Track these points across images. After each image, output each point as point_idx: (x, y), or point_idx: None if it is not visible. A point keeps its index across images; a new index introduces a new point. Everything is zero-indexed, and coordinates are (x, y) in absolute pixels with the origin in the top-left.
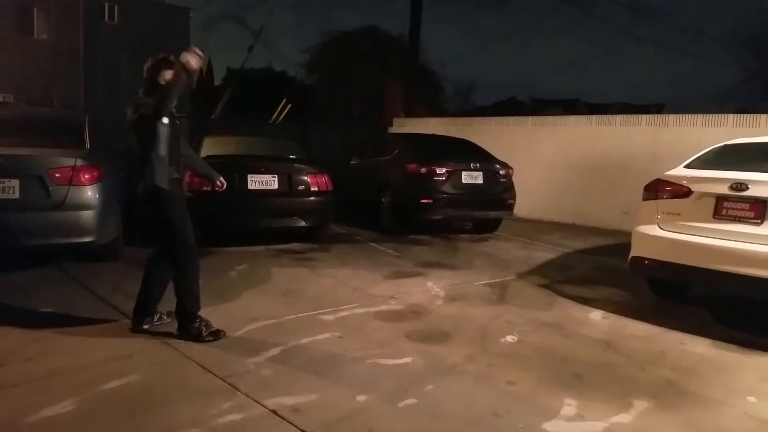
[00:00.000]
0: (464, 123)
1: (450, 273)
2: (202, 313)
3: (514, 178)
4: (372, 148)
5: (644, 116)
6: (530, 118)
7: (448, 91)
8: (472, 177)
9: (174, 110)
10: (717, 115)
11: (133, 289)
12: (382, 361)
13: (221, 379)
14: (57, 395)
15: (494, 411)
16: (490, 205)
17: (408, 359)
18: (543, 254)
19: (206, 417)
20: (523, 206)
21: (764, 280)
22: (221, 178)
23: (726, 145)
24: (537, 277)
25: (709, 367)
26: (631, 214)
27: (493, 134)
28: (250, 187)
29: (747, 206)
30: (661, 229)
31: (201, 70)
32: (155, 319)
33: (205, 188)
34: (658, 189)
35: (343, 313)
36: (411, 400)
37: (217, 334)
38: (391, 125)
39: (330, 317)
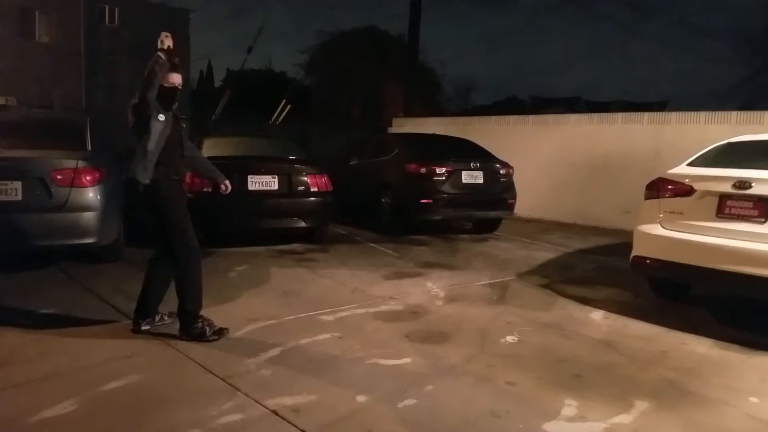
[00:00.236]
0: (464, 122)
1: (450, 273)
2: (203, 313)
3: (514, 178)
4: (371, 148)
5: (646, 114)
6: (531, 117)
7: (447, 91)
8: (472, 177)
9: (176, 111)
10: (720, 112)
11: (134, 290)
12: (382, 361)
13: (221, 379)
14: (58, 396)
15: (494, 412)
16: (491, 205)
17: (407, 360)
18: (543, 254)
19: (206, 417)
20: (524, 206)
21: (767, 280)
22: (227, 182)
23: (729, 143)
24: (537, 277)
25: (710, 368)
26: (633, 213)
27: (494, 133)
28: (250, 188)
29: (750, 205)
30: (663, 228)
31: (170, 47)
32: (156, 320)
33: (205, 189)
34: (660, 188)
35: (343, 314)
36: (410, 401)
37: (220, 333)
38: (391, 125)
39: (330, 318)
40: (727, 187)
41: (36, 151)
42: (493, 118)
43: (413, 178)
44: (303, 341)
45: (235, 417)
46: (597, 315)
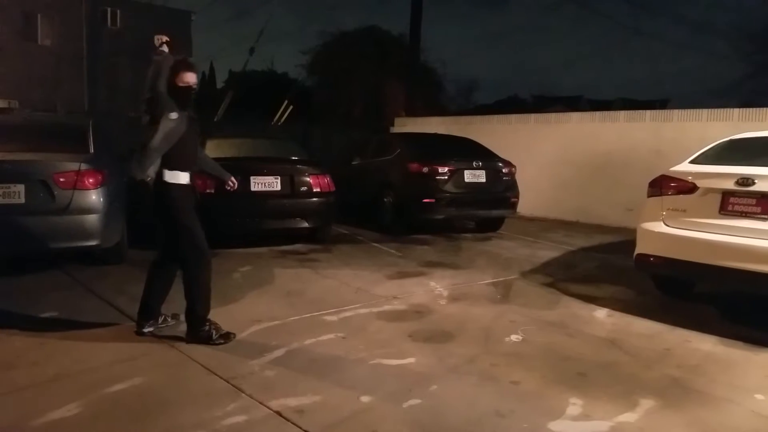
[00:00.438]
0: (466, 122)
1: (453, 272)
2: (209, 316)
3: (516, 176)
4: (373, 148)
5: (648, 112)
6: (533, 116)
7: (449, 90)
8: (474, 176)
9: (191, 111)
10: (722, 109)
11: (137, 292)
12: (386, 361)
13: (225, 380)
14: (62, 398)
15: (498, 411)
16: (493, 204)
17: (411, 359)
18: (546, 252)
19: (211, 419)
20: (526, 204)
21: None
22: (232, 178)
23: (732, 140)
24: (541, 275)
25: (715, 365)
26: (636, 211)
27: (496, 132)
28: (252, 188)
29: (754, 201)
30: (667, 225)
31: (167, 40)
32: (159, 321)
33: (208, 190)
34: (663, 185)
35: (346, 314)
36: (415, 401)
37: (227, 337)
38: (393, 125)
39: (333, 318)
40: (729, 184)
41: (39, 153)
42: (495, 117)
43: (416, 178)
44: (306, 342)
45: (240, 418)
46: (601, 313)
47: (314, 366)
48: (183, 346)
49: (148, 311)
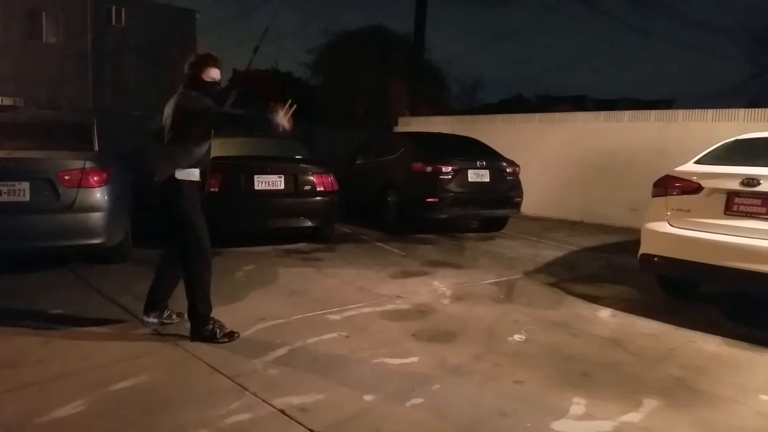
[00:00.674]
0: (470, 121)
1: (456, 272)
2: (213, 315)
3: (520, 176)
4: (377, 147)
5: (653, 112)
6: (537, 115)
7: (453, 90)
8: (478, 175)
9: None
10: (727, 109)
11: (141, 291)
12: (389, 360)
13: (229, 379)
14: (67, 396)
15: (501, 410)
16: (497, 204)
17: (414, 359)
18: (550, 252)
19: (215, 417)
20: (530, 204)
21: None
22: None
23: (737, 140)
24: (544, 275)
25: (719, 365)
26: (640, 211)
27: (500, 132)
28: (256, 187)
29: (759, 202)
30: (671, 225)
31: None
32: (164, 315)
33: (212, 189)
34: (668, 185)
35: (350, 313)
36: (418, 400)
37: (231, 336)
38: (396, 124)
39: (336, 317)
40: (735, 185)
41: (43, 151)
42: (500, 116)
43: (419, 177)
44: (310, 340)
45: (243, 416)
46: (605, 313)
47: (318, 365)
48: (187, 344)
49: (154, 302)
